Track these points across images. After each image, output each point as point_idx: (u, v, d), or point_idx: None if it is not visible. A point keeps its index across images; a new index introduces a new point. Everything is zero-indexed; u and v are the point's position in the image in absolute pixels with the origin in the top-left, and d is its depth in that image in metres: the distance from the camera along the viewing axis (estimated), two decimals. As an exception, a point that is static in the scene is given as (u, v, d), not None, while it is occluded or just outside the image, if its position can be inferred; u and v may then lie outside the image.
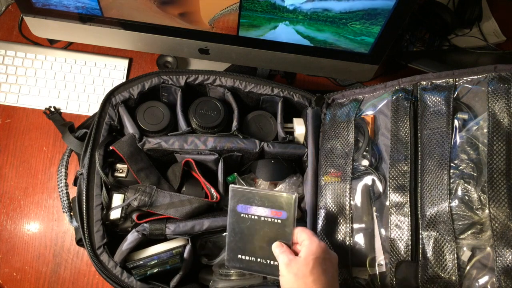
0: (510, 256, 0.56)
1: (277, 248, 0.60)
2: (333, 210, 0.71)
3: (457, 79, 0.67)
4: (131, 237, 0.69)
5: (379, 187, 0.70)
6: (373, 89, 0.76)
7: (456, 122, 0.65)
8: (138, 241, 0.69)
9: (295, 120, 0.83)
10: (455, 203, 0.61)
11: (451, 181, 0.62)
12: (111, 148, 0.72)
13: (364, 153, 0.72)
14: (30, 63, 0.95)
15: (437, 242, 0.62)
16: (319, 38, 0.76)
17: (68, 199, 0.73)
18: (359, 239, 0.69)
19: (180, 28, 0.78)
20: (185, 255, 0.70)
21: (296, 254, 0.59)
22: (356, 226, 0.69)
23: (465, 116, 0.65)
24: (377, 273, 0.67)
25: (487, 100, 0.63)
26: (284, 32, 0.75)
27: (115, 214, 0.71)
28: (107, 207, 0.71)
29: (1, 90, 0.93)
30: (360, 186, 0.71)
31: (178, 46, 0.83)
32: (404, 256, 0.65)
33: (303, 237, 0.59)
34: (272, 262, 0.61)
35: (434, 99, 0.68)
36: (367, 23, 0.71)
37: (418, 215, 0.65)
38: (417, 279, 0.63)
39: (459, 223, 0.61)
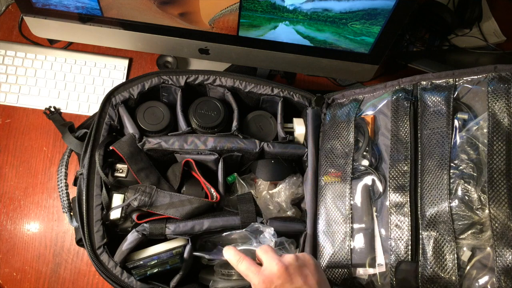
0: (510, 256, 0.56)
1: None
2: (333, 210, 0.71)
3: (457, 79, 0.67)
4: (131, 237, 0.69)
5: (379, 187, 0.70)
6: (373, 89, 0.76)
7: (456, 122, 0.65)
8: (138, 241, 0.69)
9: (295, 120, 0.83)
10: (455, 203, 0.61)
11: (451, 181, 0.62)
12: (111, 148, 0.72)
13: (364, 153, 0.72)
14: (30, 63, 0.95)
15: (437, 242, 0.62)
16: (319, 38, 0.76)
17: (68, 199, 0.73)
18: (359, 239, 0.69)
19: (180, 28, 0.78)
20: (185, 255, 0.70)
21: None
22: (356, 226, 0.69)
23: (465, 116, 0.65)
24: (377, 273, 0.67)
25: (487, 100, 0.63)
26: (284, 32, 0.75)
27: (115, 214, 0.71)
28: (107, 207, 0.71)
29: (1, 90, 0.93)
30: (360, 186, 0.71)
31: (178, 46, 0.83)
32: (404, 256, 0.65)
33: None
34: None
35: (434, 99, 0.68)
36: (367, 23, 0.70)
37: (418, 215, 0.65)
38: (417, 279, 0.63)
39: (459, 223, 0.61)
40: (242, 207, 0.73)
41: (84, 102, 0.94)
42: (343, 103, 0.79)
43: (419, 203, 0.65)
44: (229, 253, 0.59)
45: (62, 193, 0.73)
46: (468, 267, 0.60)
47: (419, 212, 0.65)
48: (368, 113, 0.75)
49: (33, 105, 0.93)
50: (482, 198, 0.60)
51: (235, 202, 0.76)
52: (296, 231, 0.74)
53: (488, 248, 0.59)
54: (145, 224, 0.70)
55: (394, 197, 0.67)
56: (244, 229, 0.71)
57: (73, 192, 0.73)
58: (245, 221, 0.72)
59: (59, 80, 0.95)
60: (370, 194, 0.70)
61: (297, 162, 0.83)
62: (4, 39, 0.97)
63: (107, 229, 0.70)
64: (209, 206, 0.74)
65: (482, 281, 0.59)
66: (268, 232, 0.70)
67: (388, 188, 0.68)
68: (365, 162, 0.72)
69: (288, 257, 0.55)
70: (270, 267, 0.54)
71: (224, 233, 0.73)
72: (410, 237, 0.65)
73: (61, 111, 0.93)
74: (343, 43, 0.76)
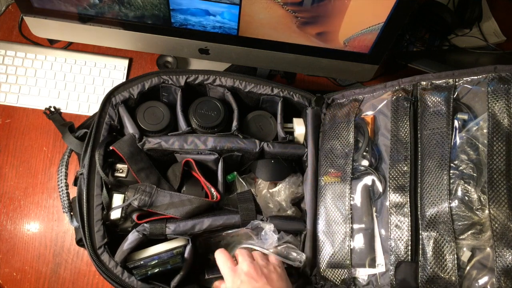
0: (510, 257, 0.56)
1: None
2: (333, 210, 0.71)
3: (457, 80, 0.67)
4: (132, 237, 0.69)
5: (379, 187, 0.70)
6: (373, 89, 0.76)
7: (456, 123, 0.65)
8: (139, 241, 0.69)
9: (295, 120, 0.83)
10: (455, 203, 0.61)
11: (451, 181, 0.62)
12: (111, 148, 0.72)
13: (364, 153, 0.73)
14: (30, 63, 0.95)
15: (437, 243, 0.62)
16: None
17: (69, 199, 0.73)
18: (359, 239, 0.69)
19: (181, 28, 0.78)
20: (186, 255, 0.70)
21: None
22: (356, 226, 0.69)
23: (465, 117, 0.65)
24: (377, 273, 0.68)
25: (487, 100, 0.63)
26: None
27: (115, 214, 0.71)
28: (108, 207, 0.71)
29: (1, 90, 0.93)
30: (360, 186, 0.71)
31: (178, 46, 0.83)
32: (404, 256, 0.65)
33: None
34: None
35: (434, 99, 0.68)
36: (368, 23, 0.70)
37: (418, 216, 0.65)
38: (416, 279, 0.63)
39: (459, 223, 0.61)
40: (242, 205, 0.73)
41: (84, 102, 0.94)
42: (343, 103, 0.79)
43: (419, 203, 0.65)
44: (217, 252, 0.67)
45: (63, 193, 0.73)
46: (468, 268, 0.60)
47: (419, 213, 0.65)
48: (368, 113, 0.75)
49: (33, 105, 0.93)
50: (482, 198, 0.60)
51: (234, 201, 0.76)
52: (296, 230, 0.74)
53: (488, 249, 0.59)
54: (145, 224, 0.70)
55: (394, 198, 0.67)
56: (245, 227, 0.72)
57: (73, 192, 0.73)
58: (245, 219, 0.72)
59: (59, 80, 0.95)
60: (370, 194, 0.70)
61: (297, 162, 0.83)
62: (4, 39, 0.97)
63: (107, 229, 0.70)
64: (209, 206, 0.74)
65: (482, 281, 0.59)
66: (269, 229, 0.71)
67: (388, 189, 0.68)
68: (365, 162, 0.72)
69: (260, 260, 0.64)
70: (241, 265, 0.63)
71: (225, 232, 0.73)
72: (410, 238, 0.65)
73: (61, 111, 0.93)
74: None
